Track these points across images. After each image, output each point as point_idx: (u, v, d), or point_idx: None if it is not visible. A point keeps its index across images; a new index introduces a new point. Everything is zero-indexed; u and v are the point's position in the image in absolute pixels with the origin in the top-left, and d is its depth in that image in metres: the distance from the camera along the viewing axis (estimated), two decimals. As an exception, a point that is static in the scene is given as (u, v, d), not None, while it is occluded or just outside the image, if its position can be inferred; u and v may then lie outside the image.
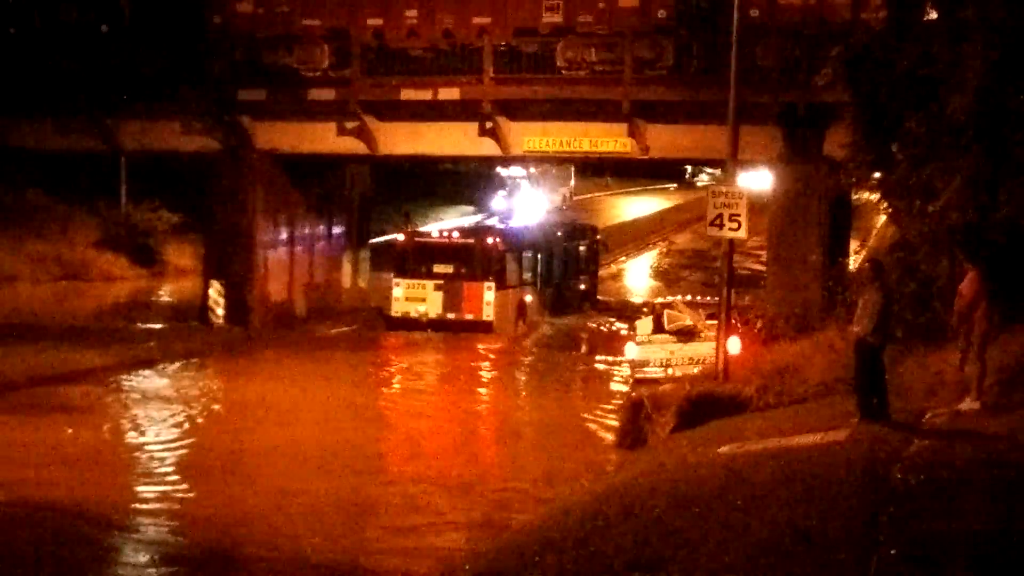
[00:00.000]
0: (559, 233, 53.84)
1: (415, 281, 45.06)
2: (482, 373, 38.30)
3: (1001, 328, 19.58)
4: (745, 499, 14.03)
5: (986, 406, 18.15)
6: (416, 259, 45.64)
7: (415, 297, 44.92)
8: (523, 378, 37.82)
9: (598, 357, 39.63)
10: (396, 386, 35.71)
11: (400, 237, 47.71)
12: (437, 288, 44.67)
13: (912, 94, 23.43)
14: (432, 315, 44.51)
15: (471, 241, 46.46)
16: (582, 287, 52.53)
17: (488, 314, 44.41)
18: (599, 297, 54.15)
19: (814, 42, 34.47)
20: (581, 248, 53.36)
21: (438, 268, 45.11)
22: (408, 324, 44.64)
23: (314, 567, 18.91)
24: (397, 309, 45.23)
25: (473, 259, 45.11)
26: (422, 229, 52.34)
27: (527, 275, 47.49)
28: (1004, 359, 19.37)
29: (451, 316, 44.38)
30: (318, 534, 20.30)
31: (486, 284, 44.58)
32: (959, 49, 22.21)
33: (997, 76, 21.73)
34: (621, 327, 43.99)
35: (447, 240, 46.66)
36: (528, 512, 20.88)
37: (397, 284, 45.47)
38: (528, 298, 46.87)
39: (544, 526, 15.86)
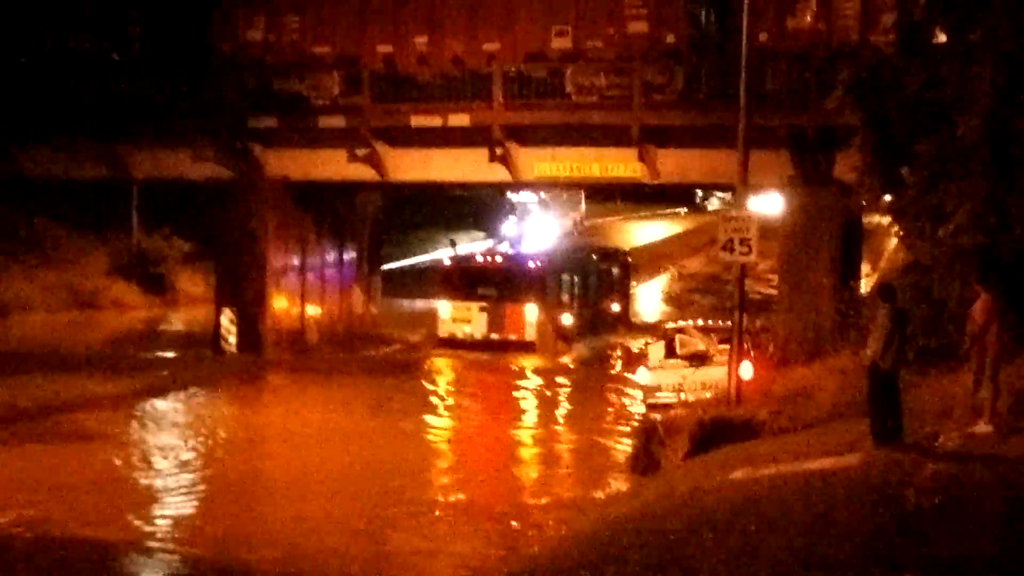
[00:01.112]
0: (594, 256, 56.07)
1: (460, 303, 46.84)
2: (514, 394, 38.76)
3: (1014, 351, 19.54)
4: (758, 524, 14.01)
5: (999, 429, 18.10)
6: (461, 282, 47.47)
7: (461, 318, 46.61)
8: (553, 398, 38.27)
9: (628, 375, 40.22)
10: (420, 410, 35.60)
11: (446, 261, 50.12)
12: (481, 310, 46.49)
13: (921, 117, 23.43)
14: (477, 335, 46.35)
15: (513, 265, 48.25)
16: (615, 308, 54.58)
17: (530, 334, 46.10)
18: (631, 319, 55.84)
19: (823, 66, 34.46)
20: (614, 270, 55.62)
21: (482, 291, 46.94)
22: (455, 344, 46.18)
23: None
24: (444, 330, 46.99)
25: (515, 282, 46.84)
26: (465, 253, 53.92)
27: (565, 297, 49.26)
28: (1018, 382, 19.32)
29: (495, 336, 46.13)
30: (331, 555, 20.36)
31: (528, 306, 46.25)
32: (968, 72, 22.22)
33: (1006, 98, 21.73)
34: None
35: (491, 263, 48.62)
36: (542, 538, 20.90)
37: (444, 306, 47.18)
38: (566, 318, 48.37)
39: (557, 552, 15.85)
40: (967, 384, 19.03)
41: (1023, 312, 19.63)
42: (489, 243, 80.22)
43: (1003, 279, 19.34)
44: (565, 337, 47.74)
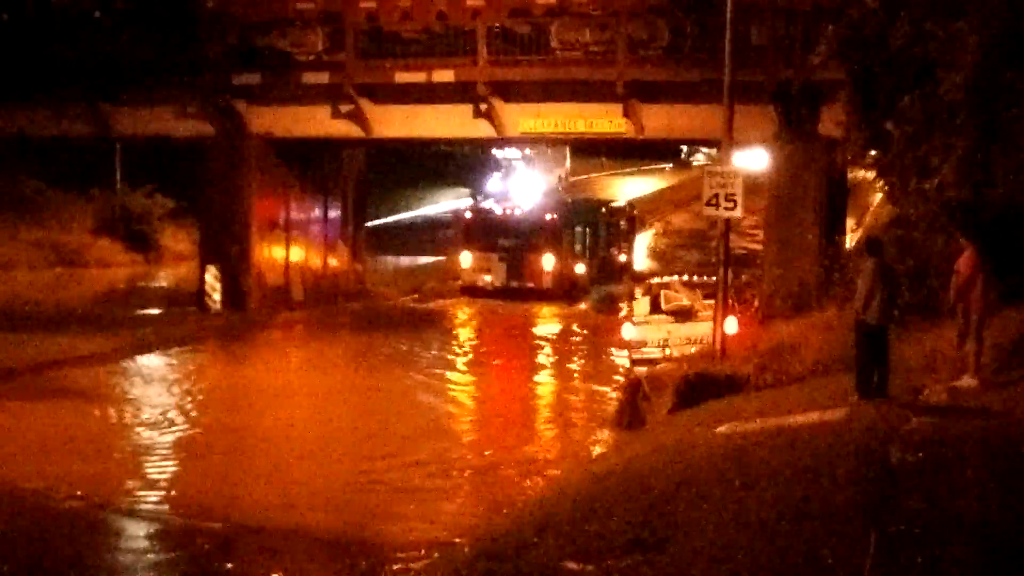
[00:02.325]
0: (603, 210, 59.53)
1: (482, 253, 50.28)
2: (534, 341, 40.46)
3: (998, 305, 19.57)
4: (744, 479, 14.03)
5: (984, 383, 18.16)
6: (482, 233, 50.86)
7: (482, 268, 50.07)
8: (564, 346, 39.65)
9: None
10: (407, 363, 35.68)
11: (468, 214, 54.10)
12: (502, 259, 49.93)
13: (907, 72, 23.38)
14: (497, 284, 49.84)
15: (531, 217, 51.58)
16: (622, 258, 56.40)
17: (547, 282, 49.60)
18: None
19: (808, 20, 34.44)
20: (621, 224, 57.75)
21: (502, 241, 50.20)
22: (476, 291, 49.83)
23: (314, 540, 19.05)
24: (466, 279, 50.51)
25: (533, 233, 50.15)
26: (485, 206, 58.08)
27: (578, 247, 53.00)
28: (1002, 336, 19.37)
29: (514, 284, 49.63)
30: (317, 510, 20.41)
31: (545, 255, 49.67)
32: (953, 26, 22.17)
33: (992, 53, 21.68)
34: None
35: (510, 216, 51.86)
36: (528, 492, 20.94)
37: (466, 256, 50.76)
38: (580, 267, 52.20)
39: (543, 506, 15.86)
40: (952, 338, 19.10)
41: (1007, 266, 19.67)
42: (471, 200, 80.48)
43: (988, 234, 19.37)
44: (578, 285, 50.66)
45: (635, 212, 61.06)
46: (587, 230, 54.35)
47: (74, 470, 22.87)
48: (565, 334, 42.43)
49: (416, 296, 52.30)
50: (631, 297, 32.64)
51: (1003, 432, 15.16)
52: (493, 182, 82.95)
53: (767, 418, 18.09)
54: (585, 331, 42.06)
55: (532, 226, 50.79)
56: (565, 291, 49.57)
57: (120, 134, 46.99)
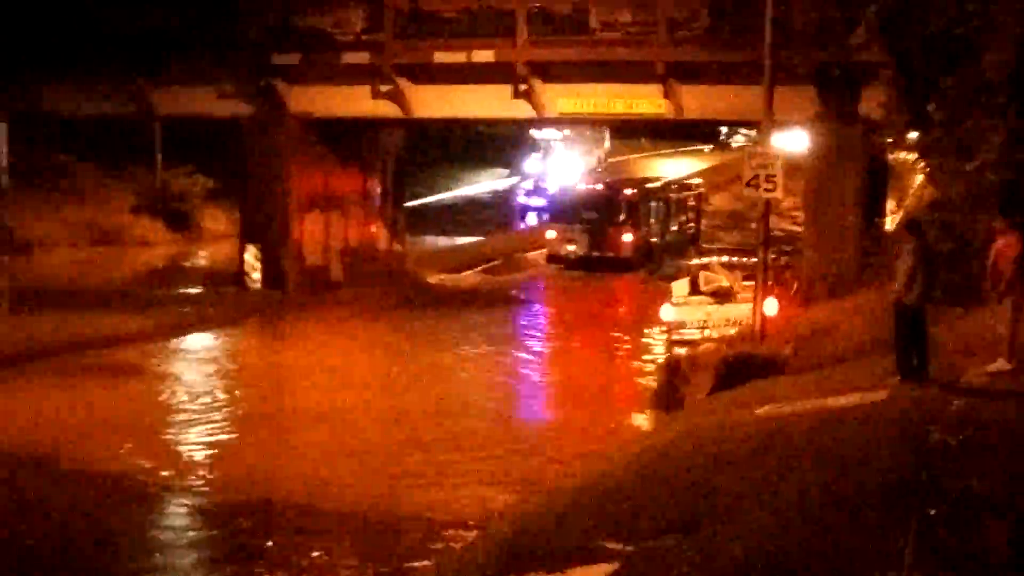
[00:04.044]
0: (674, 186, 62.26)
1: (566, 226, 54.34)
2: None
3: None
4: (782, 460, 14.03)
5: (1020, 366, 18.04)
6: (567, 207, 55.76)
7: (566, 239, 54.06)
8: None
9: None
10: (453, 344, 35.81)
11: (552, 190, 62.73)
12: (584, 231, 53.58)
13: (948, 52, 23.27)
14: (580, 253, 53.63)
15: (611, 193, 55.96)
16: (690, 231, 59.76)
17: (626, 252, 52.95)
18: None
19: (849, 1, 34.23)
20: (690, 200, 60.78)
21: (585, 215, 53.92)
22: (560, 260, 54.08)
23: (354, 518, 19.17)
24: (551, 249, 55.01)
25: (613, 208, 54.09)
26: (569, 183, 64.48)
27: (652, 221, 55.55)
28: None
29: (596, 254, 53.27)
30: (358, 488, 20.56)
31: (624, 228, 53.18)
32: (994, 7, 22.05)
33: (1033, 34, 21.58)
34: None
35: (592, 192, 56.85)
36: (565, 472, 20.99)
37: (552, 229, 55.57)
38: (654, 240, 54.98)
39: (581, 486, 15.91)
40: (992, 321, 18.98)
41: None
42: (512, 181, 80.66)
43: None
44: (652, 256, 53.31)
45: (702, 190, 64.78)
46: (660, 205, 56.93)
47: (115, 447, 23.09)
48: (630, 307, 44.91)
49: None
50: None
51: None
52: (531, 163, 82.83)
53: (806, 400, 18.07)
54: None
55: (612, 201, 54.56)
56: (640, 261, 52.69)
57: (160, 113, 47.15)
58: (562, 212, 56.17)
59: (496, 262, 56.44)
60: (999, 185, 21.70)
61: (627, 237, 53.40)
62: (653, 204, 56.29)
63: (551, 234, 55.19)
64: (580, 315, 43.20)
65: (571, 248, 53.79)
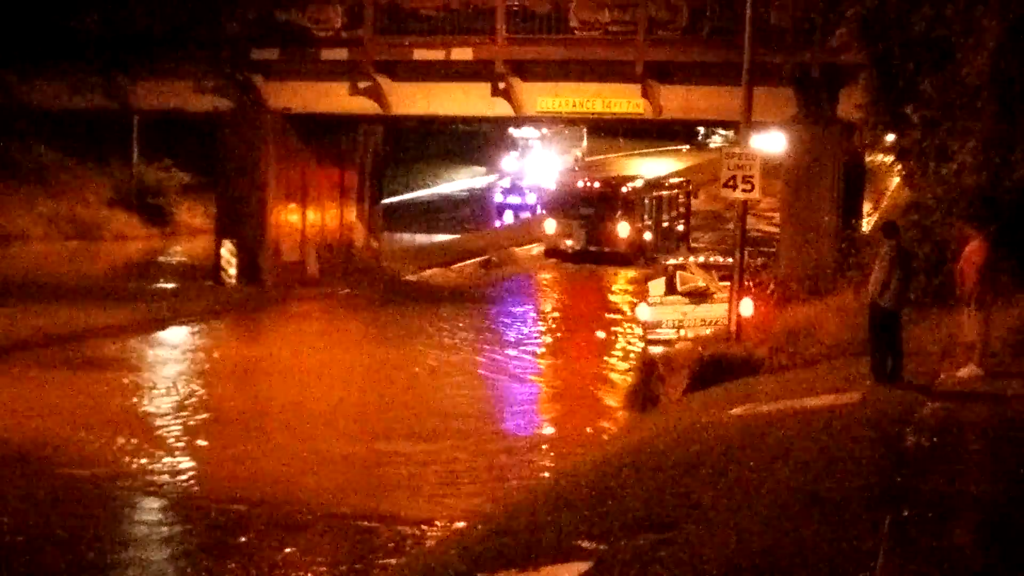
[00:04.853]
0: (666, 183, 64.36)
1: (564, 220, 55.75)
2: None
3: (1012, 293, 19.55)
4: (757, 461, 14.04)
5: (995, 370, 18.11)
6: (565, 202, 56.95)
7: (564, 233, 55.52)
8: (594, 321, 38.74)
9: None
10: (418, 340, 35.73)
11: (550, 185, 63.19)
12: (581, 226, 55.12)
13: (927, 55, 23.35)
14: (577, 247, 55.09)
15: (607, 189, 57.46)
16: (680, 229, 61.48)
17: (622, 247, 54.28)
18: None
19: (829, 3, 34.25)
20: (680, 197, 62.13)
21: (583, 210, 55.46)
22: (558, 254, 55.33)
23: (329, 515, 19.11)
24: (549, 243, 56.45)
25: (609, 203, 55.58)
26: (566, 178, 65.94)
27: (646, 217, 56.65)
28: (1018, 321, 19.35)
29: (592, 248, 54.77)
30: (333, 485, 20.49)
31: (620, 223, 54.64)
32: (974, 11, 22.11)
33: (1012, 38, 21.63)
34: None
35: (590, 188, 57.93)
36: (540, 471, 20.98)
37: (550, 223, 56.86)
38: (648, 235, 56.14)
39: (557, 486, 15.90)
40: (966, 326, 19.02)
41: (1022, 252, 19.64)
42: (490, 179, 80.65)
43: (1004, 220, 19.31)
44: (646, 251, 54.52)
45: (691, 187, 65.82)
46: (654, 202, 58.06)
47: (89, 440, 23.01)
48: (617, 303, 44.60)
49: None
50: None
51: (1016, 418, 15.16)
52: (509, 161, 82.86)
53: (781, 400, 18.10)
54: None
55: (609, 197, 56.09)
56: (635, 256, 53.79)
57: (137, 107, 46.87)
58: (561, 206, 57.14)
59: (476, 259, 56.11)
60: (975, 190, 21.77)
61: (623, 232, 54.70)
62: (647, 201, 57.38)
63: (550, 229, 56.49)
64: (564, 312, 43.20)
65: (569, 242, 55.18)
